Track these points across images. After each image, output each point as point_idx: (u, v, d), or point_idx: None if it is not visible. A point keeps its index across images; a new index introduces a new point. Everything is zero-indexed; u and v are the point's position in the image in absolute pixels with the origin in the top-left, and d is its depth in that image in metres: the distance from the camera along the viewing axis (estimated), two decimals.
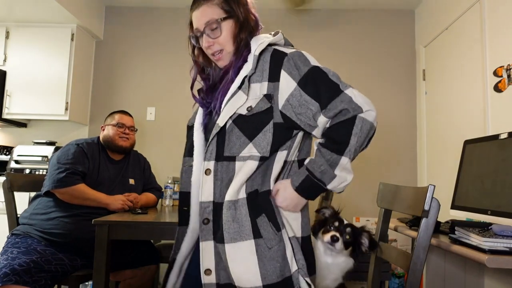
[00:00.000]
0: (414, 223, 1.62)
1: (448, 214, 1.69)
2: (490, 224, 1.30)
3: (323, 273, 1.19)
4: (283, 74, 1.01)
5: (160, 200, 2.38)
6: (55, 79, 3.08)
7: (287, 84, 1.01)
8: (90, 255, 1.68)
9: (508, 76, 2.03)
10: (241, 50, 1.09)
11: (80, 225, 1.85)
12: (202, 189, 1.01)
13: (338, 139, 0.98)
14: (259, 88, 1.02)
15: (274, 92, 1.01)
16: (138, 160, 2.30)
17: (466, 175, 1.68)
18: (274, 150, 1.02)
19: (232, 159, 1.00)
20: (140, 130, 2.55)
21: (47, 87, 3.07)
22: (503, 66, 2.08)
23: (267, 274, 0.95)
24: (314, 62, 1.03)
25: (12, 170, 2.91)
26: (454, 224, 1.37)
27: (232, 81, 1.06)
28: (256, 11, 1.14)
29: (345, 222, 1.19)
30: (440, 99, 2.88)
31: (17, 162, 2.94)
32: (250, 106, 1.00)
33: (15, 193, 2.00)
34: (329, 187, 0.99)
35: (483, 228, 1.27)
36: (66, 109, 3.06)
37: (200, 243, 1.01)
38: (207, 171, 1.01)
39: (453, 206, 1.69)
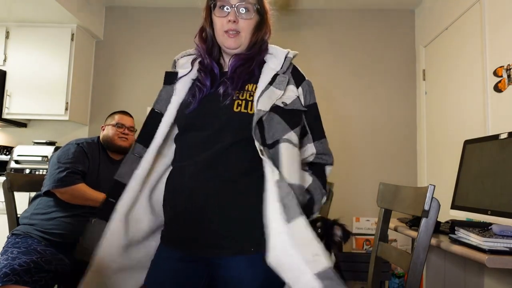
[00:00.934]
0: (414, 223, 1.63)
1: (448, 214, 1.69)
2: (490, 224, 1.30)
3: None
4: (300, 90, 1.11)
5: None
6: (55, 79, 3.08)
7: (303, 100, 1.11)
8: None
9: (508, 76, 2.03)
10: (257, 46, 1.10)
11: (81, 225, 1.84)
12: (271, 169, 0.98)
13: (322, 182, 1.15)
14: (292, 89, 1.09)
15: (300, 100, 1.11)
16: None
17: (466, 175, 1.68)
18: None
19: (277, 142, 1.00)
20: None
21: (47, 87, 3.07)
22: (503, 66, 2.07)
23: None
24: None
25: (12, 170, 2.91)
26: (454, 224, 1.37)
27: (253, 72, 1.08)
28: (271, 22, 1.17)
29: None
30: (440, 99, 2.87)
31: (17, 162, 2.94)
32: (285, 102, 1.05)
33: (15, 193, 2.00)
34: (314, 210, 1.10)
35: (483, 228, 1.27)
36: (66, 109, 3.06)
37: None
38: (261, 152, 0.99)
39: (453, 206, 1.69)
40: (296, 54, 1.14)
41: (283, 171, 0.97)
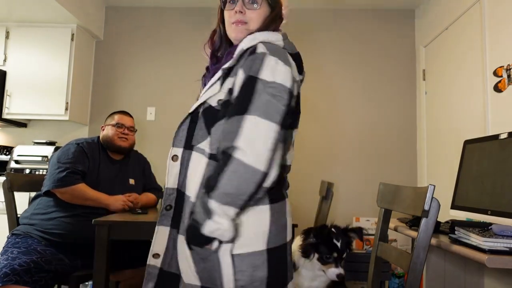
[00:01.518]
0: (414, 223, 1.62)
1: (448, 214, 1.69)
2: (490, 224, 1.30)
3: (314, 274, 1.21)
4: (239, 72, 0.96)
5: (160, 200, 2.38)
6: (55, 79, 3.08)
7: (238, 84, 0.95)
8: (90, 255, 1.68)
9: (508, 76, 2.03)
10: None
11: (80, 225, 1.85)
12: (168, 175, 1.01)
13: (210, 179, 0.88)
14: (229, 82, 0.99)
15: (235, 87, 0.97)
16: (138, 160, 2.30)
17: (466, 175, 1.68)
18: None
19: (192, 148, 1.00)
20: (140, 130, 2.55)
21: (47, 87, 3.07)
22: (503, 66, 2.07)
23: (204, 280, 0.93)
24: (264, 72, 0.92)
25: (12, 170, 2.91)
26: (454, 224, 1.37)
27: (218, 69, 1.05)
28: (285, 15, 1.14)
29: (338, 246, 1.20)
30: (440, 99, 2.88)
31: (17, 162, 2.94)
32: (221, 100, 0.98)
33: (15, 193, 2.00)
34: (204, 231, 0.86)
35: (483, 228, 1.27)
36: (66, 109, 3.06)
37: (156, 227, 1.01)
38: (174, 157, 1.01)
39: (453, 206, 1.69)
40: (265, 37, 1.00)
41: (187, 181, 0.99)
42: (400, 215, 1.89)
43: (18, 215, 1.98)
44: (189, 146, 1.00)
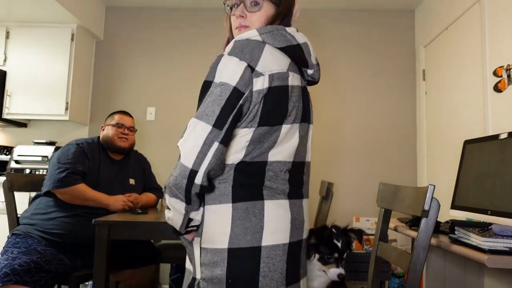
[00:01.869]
0: (414, 223, 1.63)
1: (448, 214, 1.69)
2: (490, 224, 1.30)
3: (313, 274, 1.21)
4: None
5: (160, 200, 2.38)
6: (55, 79, 3.08)
7: None
8: (90, 255, 1.68)
9: (508, 76, 2.03)
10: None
11: (81, 225, 1.85)
12: None
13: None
14: None
15: None
16: (138, 160, 2.30)
17: (466, 175, 1.68)
18: None
19: None
20: (140, 130, 2.55)
21: (47, 87, 3.07)
22: (503, 66, 2.08)
23: (188, 262, 1.05)
24: (212, 75, 0.96)
25: (12, 170, 2.91)
26: (454, 224, 1.37)
27: None
28: (296, 13, 1.11)
29: (339, 246, 1.21)
30: (440, 99, 2.88)
31: (17, 162, 2.94)
32: None
33: (15, 193, 2.00)
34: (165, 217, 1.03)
35: (483, 228, 1.27)
36: (66, 109, 3.06)
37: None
38: None
39: (453, 206, 1.69)
40: (241, 35, 1.00)
41: None
42: (400, 215, 1.90)
43: (18, 215, 1.98)
44: None
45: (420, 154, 3.19)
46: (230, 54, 0.96)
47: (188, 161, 0.90)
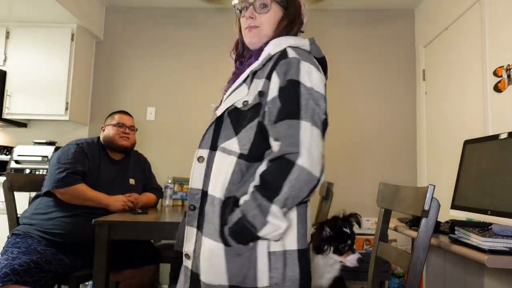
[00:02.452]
0: (414, 223, 1.63)
1: (448, 214, 1.69)
2: (490, 224, 1.30)
3: (321, 271, 1.20)
4: (274, 76, 0.98)
5: (160, 200, 2.38)
6: (55, 79, 3.08)
7: (273, 87, 0.97)
8: (90, 255, 1.68)
9: (508, 76, 2.03)
10: (283, 31, 1.10)
11: (81, 225, 1.85)
12: (193, 176, 1.02)
13: (271, 184, 0.90)
14: (257, 84, 1.01)
15: (267, 91, 0.98)
16: (138, 160, 2.30)
17: (466, 175, 1.68)
18: (256, 156, 0.97)
19: (216, 149, 1.01)
20: (140, 130, 2.55)
21: (47, 87, 3.07)
22: (503, 66, 2.08)
23: (234, 277, 0.92)
24: (303, 77, 0.96)
25: (12, 170, 2.91)
26: (454, 224, 1.37)
27: (242, 72, 1.07)
28: (305, 17, 1.16)
29: (349, 233, 1.22)
30: (440, 99, 2.88)
31: (17, 162, 2.94)
32: (247, 101, 0.99)
33: (15, 193, 2.00)
34: (260, 234, 0.90)
35: (483, 228, 1.27)
36: (66, 109, 3.06)
37: (186, 227, 1.02)
38: (200, 159, 1.02)
39: (453, 206, 1.69)
40: (292, 42, 1.03)
41: (210, 181, 0.99)
42: (400, 215, 1.89)
43: (18, 215, 1.98)
44: (214, 147, 1.01)
45: (420, 154, 3.19)
46: (304, 60, 0.99)
47: (316, 170, 0.89)
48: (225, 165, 0.97)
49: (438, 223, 1.51)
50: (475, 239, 1.22)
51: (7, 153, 3.13)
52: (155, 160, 2.60)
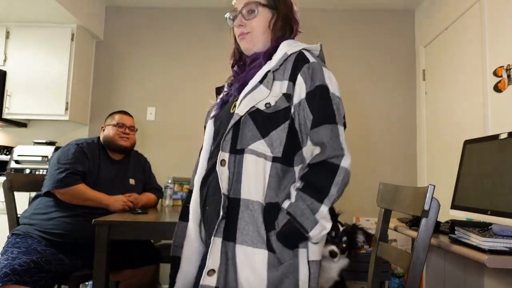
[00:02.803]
0: (414, 223, 1.62)
1: (448, 214, 1.69)
2: (490, 224, 1.30)
3: (326, 278, 1.20)
4: (299, 79, 1.00)
5: (160, 200, 2.38)
6: (55, 79, 3.08)
7: (300, 90, 0.99)
8: (90, 255, 1.68)
9: (508, 76, 2.03)
10: (272, 43, 1.10)
11: (81, 225, 1.85)
12: (221, 181, 0.96)
13: (318, 185, 0.94)
14: (280, 86, 1.00)
15: (292, 93, 1.00)
16: (138, 160, 2.30)
17: (466, 175, 1.68)
18: (290, 159, 0.98)
19: (242, 151, 0.97)
20: (140, 130, 2.55)
21: (47, 87, 3.07)
22: (503, 66, 2.08)
23: (276, 284, 0.90)
24: (328, 82, 1.00)
25: (12, 170, 2.91)
26: (454, 224, 1.37)
27: (254, 73, 1.05)
28: (299, 17, 1.18)
29: (341, 229, 1.19)
30: (440, 99, 2.88)
31: (17, 162, 2.94)
32: (269, 103, 0.98)
33: (15, 193, 2.00)
34: (310, 234, 0.91)
35: (483, 228, 1.27)
36: (66, 109, 3.06)
37: (212, 238, 0.94)
38: (222, 162, 0.97)
39: (453, 206, 1.69)
40: (306, 46, 1.07)
41: (242, 185, 0.95)
42: (400, 215, 1.89)
43: (18, 215, 1.98)
44: (234, 150, 0.98)
45: (420, 154, 3.19)
46: (323, 65, 1.04)
47: (349, 166, 0.98)
48: (260, 168, 0.95)
49: (438, 223, 1.51)
50: (475, 239, 1.22)
51: (7, 153, 3.13)
52: (155, 160, 2.60)
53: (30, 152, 2.96)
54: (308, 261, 0.94)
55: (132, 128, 2.22)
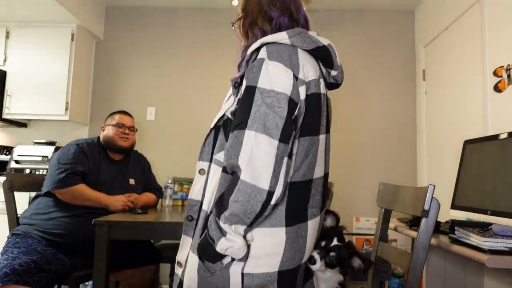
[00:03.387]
0: (414, 223, 1.63)
1: (448, 214, 1.69)
2: (490, 224, 1.30)
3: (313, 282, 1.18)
4: (244, 81, 0.93)
5: (160, 200, 2.38)
6: (55, 79, 3.08)
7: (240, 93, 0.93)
8: (90, 255, 1.68)
9: (508, 76, 2.03)
10: (245, 52, 1.06)
11: (81, 225, 1.85)
12: (194, 188, 1.01)
13: (224, 198, 0.86)
14: (240, 92, 0.95)
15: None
16: (138, 160, 2.30)
17: (466, 175, 1.68)
18: None
19: (212, 161, 0.99)
20: (140, 130, 2.55)
21: (47, 87, 3.07)
22: (503, 66, 2.08)
23: None
24: (262, 80, 0.88)
25: (12, 170, 2.91)
26: (454, 224, 1.37)
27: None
28: (275, 9, 1.06)
29: (333, 243, 1.11)
30: (440, 99, 2.88)
31: (17, 162, 2.94)
32: (233, 111, 0.95)
33: (15, 193, 2.00)
34: (217, 248, 0.86)
35: (483, 228, 1.27)
36: (66, 109, 3.06)
37: (182, 236, 1.01)
38: (201, 171, 1.01)
39: (453, 206, 1.69)
40: (269, 38, 0.95)
41: (206, 193, 0.98)
42: (400, 215, 1.90)
43: (18, 215, 1.98)
44: (210, 159, 1.00)
45: (420, 154, 3.19)
46: (271, 59, 0.89)
47: (262, 182, 0.81)
48: (216, 177, 0.96)
49: (438, 223, 1.51)
50: (475, 239, 1.22)
51: (7, 153, 3.13)
52: (155, 160, 2.60)
53: (30, 152, 2.96)
54: (243, 273, 0.88)
55: (132, 128, 2.22)
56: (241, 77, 0.97)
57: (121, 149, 2.14)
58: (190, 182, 2.52)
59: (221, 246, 0.85)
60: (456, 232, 1.34)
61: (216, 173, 0.96)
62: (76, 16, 3.01)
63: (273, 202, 0.84)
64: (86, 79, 3.34)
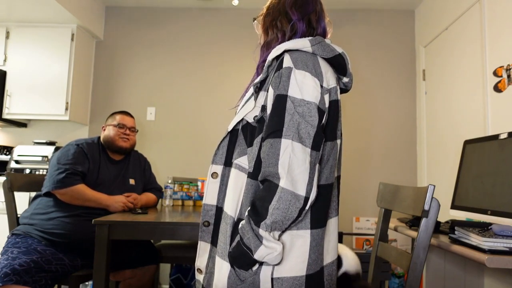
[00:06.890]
0: (414, 223, 1.63)
1: (448, 214, 1.69)
2: (490, 224, 1.30)
3: None
4: (270, 89, 0.95)
5: (160, 200, 2.38)
6: (55, 79, 3.08)
7: (270, 102, 0.93)
8: (90, 255, 1.68)
9: (508, 76, 2.03)
10: (264, 48, 1.09)
11: (81, 225, 1.85)
12: (207, 192, 1.01)
13: (258, 206, 0.87)
14: (263, 97, 0.97)
15: (267, 105, 0.95)
16: (138, 160, 2.30)
17: (466, 175, 1.68)
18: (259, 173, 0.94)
19: (230, 165, 0.99)
20: (140, 130, 2.55)
21: (47, 87, 3.07)
22: (503, 66, 2.08)
23: None
24: (293, 89, 0.90)
25: (12, 170, 2.91)
26: (454, 224, 1.37)
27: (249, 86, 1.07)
28: (296, 13, 1.10)
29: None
30: (440, 99, 2.88)
31: (17, 162, 2.94)
32: (256, 116, 0.96)
33: (15, 193, 2.00)
34: (256, 257, 0.86)
35: (483, 228, 1.27)
36: (66, 109, 3.06)
37: (199, 242, 1.01)
38: (213, 175, 1.01)
39: (453, 206, 1.69)
40: (289, 45, 0.97)
41: (226, 197, 0.98)
42: (400, 215, 1.90)
43: (18, 215, 1.98)
44: (229, 163, 1.00)
45: (420, 154, 3.19)
46: (297, 68, 0.92)
47: (300, 189, 0.84)
48: (239, 183, 0.96)
49: (438, 223, 1.51)
50: (475, 239, 1.22)
51: (7, 153, 3.13)
52: (155, 160, 2.60)
53: (30, 152, 2.96)
54: (272, 278, 0.90)
55: (132, 129, 2.21)
56: (261, 82, 1.00)
57: (121, 149, 2.13)
58: (190, 182, 2.52)
59: (260, 253, 0.86)
60: (456, 232, 1.34)
61: (238, 178, 0.96)
62: (76, 16, 3.01)
63: (307, 207, 0.86)
64: (86, 79, 3.34)
